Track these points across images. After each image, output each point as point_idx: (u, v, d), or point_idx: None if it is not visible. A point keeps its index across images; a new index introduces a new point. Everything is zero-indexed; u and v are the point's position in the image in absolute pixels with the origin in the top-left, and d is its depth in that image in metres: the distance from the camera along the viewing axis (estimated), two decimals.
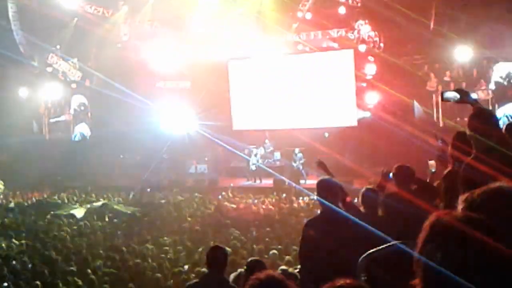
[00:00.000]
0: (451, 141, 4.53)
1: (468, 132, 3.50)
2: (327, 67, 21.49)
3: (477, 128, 3.34)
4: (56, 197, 19.80)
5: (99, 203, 17.50)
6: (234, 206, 16.43)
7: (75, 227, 14.50)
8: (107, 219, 15.63)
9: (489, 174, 2.75)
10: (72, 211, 16.52)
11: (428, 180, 5.86)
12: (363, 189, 5.66)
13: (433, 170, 6.00)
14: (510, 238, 1.48)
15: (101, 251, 11.46)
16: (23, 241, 12.84)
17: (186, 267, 9.58)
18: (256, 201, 17.13)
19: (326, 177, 5.05)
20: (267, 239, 11.77)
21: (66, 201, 18.80)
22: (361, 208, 5.52)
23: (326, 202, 4.64)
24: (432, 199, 4.94)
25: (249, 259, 5.65)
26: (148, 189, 20.51)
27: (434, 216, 1.51)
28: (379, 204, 5.28)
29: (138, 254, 11.01)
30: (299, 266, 5.59)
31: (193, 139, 22.01)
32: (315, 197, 5.24)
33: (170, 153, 23.07)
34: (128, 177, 22.84)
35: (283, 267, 5.59)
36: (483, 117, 3.39)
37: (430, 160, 6.09)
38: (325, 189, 4.67)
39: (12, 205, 18.69)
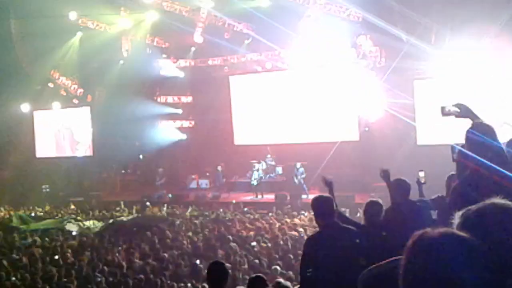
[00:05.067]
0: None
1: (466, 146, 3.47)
2: (329, 82, 21.55)
3: (474, 142, 3.32)
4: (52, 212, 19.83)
5: (100, 218, 17.45)
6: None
7: (75, 243, 14.47)
8: (106, 235, 15.55)
9: (485, 188, 2.73)
10: (66, 227, 16.54)
11: (418, 192, 5.81)
12: (366, 202, 5.64)
13: (423, 182, 5.94)
14: (496, 255, 1.47)
15: (101, 267, 11.40)
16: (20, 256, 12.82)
17: (189, 285, 9.52)
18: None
19: (323, 194, 5.02)
20: (260, 255, 11.62)
21: (66, 216, 18.74)
22: (363, 221, 5.50)
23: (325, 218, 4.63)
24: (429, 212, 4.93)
25: (251, 275, 5.60)
26: (148, 203, 20.43)
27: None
28: (380, 218, 5.26)
29: (139, 270, 10.95)
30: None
31: None
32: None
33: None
34: (130, 192, 22.81)
35: (279, 279, 5.53)
36: (480, 131, 3.37)
37: (420, 171, 6.01)
38: (322, 206, 4.67)
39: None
